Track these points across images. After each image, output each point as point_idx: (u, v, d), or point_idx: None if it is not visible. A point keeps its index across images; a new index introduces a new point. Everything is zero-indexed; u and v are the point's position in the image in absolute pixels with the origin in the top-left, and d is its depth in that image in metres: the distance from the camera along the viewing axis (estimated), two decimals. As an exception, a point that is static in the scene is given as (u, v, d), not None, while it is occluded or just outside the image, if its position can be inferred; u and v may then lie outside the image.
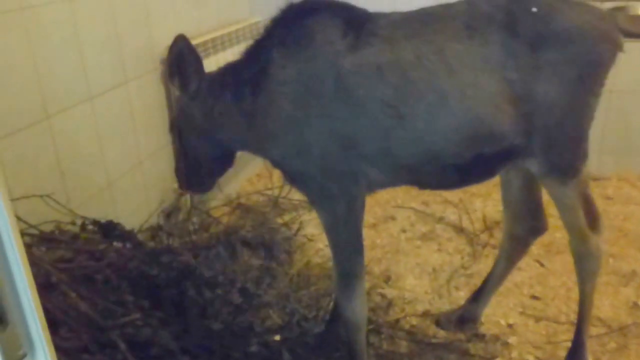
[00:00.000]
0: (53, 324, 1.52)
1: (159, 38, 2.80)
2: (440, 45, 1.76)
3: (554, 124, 1.81)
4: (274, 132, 1.89)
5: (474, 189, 3.81)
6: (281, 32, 1.88)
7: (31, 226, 1.85)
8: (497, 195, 3.67)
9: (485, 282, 2.57)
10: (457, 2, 1.88)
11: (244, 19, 3.58)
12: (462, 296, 2.80)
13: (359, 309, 2.06)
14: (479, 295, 2.58)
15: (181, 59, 1.96)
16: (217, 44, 3.06)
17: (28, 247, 1.70)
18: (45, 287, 1.56)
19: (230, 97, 1.97)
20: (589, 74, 1.80)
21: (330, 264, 2.94)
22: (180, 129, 2.13)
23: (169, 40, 2.76)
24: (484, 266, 2.98)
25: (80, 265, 1.70)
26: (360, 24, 1.82)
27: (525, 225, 2.34)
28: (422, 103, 1.76)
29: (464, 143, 1.79)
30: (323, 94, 1.80)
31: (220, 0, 3.42)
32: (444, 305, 2.75)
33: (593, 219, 2.08)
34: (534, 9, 1.76)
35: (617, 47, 1.83)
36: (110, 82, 2.46)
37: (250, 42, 2.00)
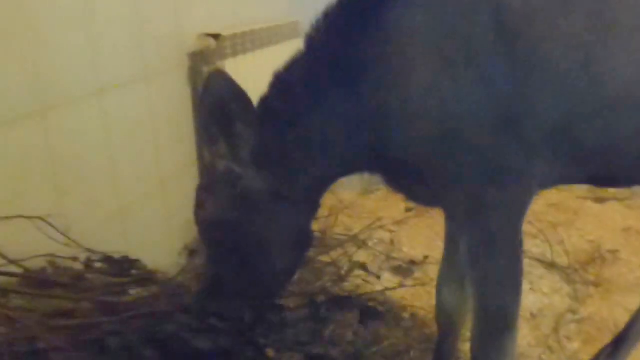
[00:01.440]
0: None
1: (188, 28, 2.22)
2: None
3: None
4: (401, 116, 1.27)
5: (552, 217, 3.28)
6: None
7: (11, 262, 1.22)
8: (580, 224, 3.16)
9: (623, 337, 1.95)
10: None
11: (282, 17, 3.07)
12: (576, 348, 2.22)
13: None
14: (617, 347, 1.94)
15: (224, 108, 1.28)
16: (256, 39, 2.48)
17: (3, 293, 1.07)
18: (27, 356, 0.93)
19: (318, 100, 1.32)
20: None
21: (398, 312, 2.42)
22: (229, 225, 1.40)
23: (199, 30, 2.29)
24: (595, 309, 2.44)
25: (85, 323, 1.05)
26: None
27: None
28: (626, 46, 1.19)
29: None
30: (474, 43, 1.21)
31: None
32: (559, 362, 2.13)
33: None
34: None
35: None
36: (126, 74, 1.87)
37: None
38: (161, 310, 1.22)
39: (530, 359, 2.16)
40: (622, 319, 2.07)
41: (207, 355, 1.20)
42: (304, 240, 1.48)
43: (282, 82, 1.36)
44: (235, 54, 2.28)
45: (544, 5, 1.21)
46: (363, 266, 2.10)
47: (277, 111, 1.34)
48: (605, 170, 1.37)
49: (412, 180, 1.42)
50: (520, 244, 1.35)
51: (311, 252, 2.87)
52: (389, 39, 1.25)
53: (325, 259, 2.85)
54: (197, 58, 2.21)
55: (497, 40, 1.19)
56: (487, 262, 1.33)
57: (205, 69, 2.19)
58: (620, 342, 1.95)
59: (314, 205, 1.48)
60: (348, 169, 1.44)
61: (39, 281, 1.21)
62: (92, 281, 1.33)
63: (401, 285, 2.49)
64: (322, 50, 1.33)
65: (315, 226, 2.99)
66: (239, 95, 1.28)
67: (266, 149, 1.33)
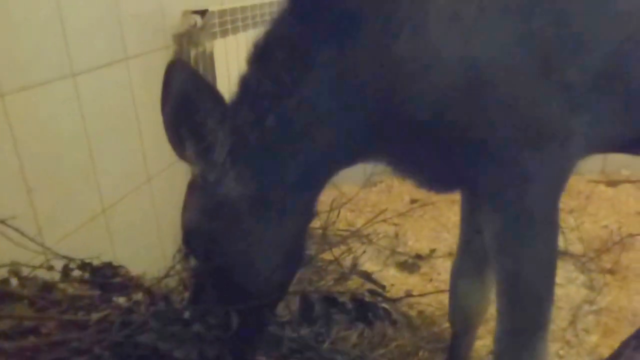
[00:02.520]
0: None
1: (171, 4, 2.04)
2: None
3: None
4: (418, 67, 1.05)
5: (563, 203, 3.11)
6: None
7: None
8: (592, 209, 3.04)
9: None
10: None
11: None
12: (595, 342, 2.10)
13: None
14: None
15: (189, 106, 1.10)
16: (247, 17, 2.29)
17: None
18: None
19: (307, 65, 1.10)
20: None
21: (407, 309, 2.30)
22: (211, 236, 1.21)
23: (184, 7, 2.08)
24: (612, 298, 2.34)
25: (51, 341, 0.92)
26: None
27: None
28: None
29: None
30: None
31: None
32: (579, 357, 1.98)
33: None
34: None
35: None
36: (103, 56, 1.72)
37: None
38: (138, 321, 1.09)
39: (550, 356, 2.03)
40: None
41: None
42: (295, 254, 1.29)
43: (263, 51, 1.14)
44: (224, 33, 2.11)
45: None
46: (368, 276, 1.94)
47: (257, 91, 1.13)
48: None
49: (427, 160, 1.21)
50: (557, 225, 1.18)
51: (313, 250, 2.76)
52: None
53: (327, 256, 2.72)
54: (183, 39, 2.04)
55: None
56: (520, 247, 1.16)
57: (193, 51, 2.03)
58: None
59: (308, 212, 1.28)
60: (348, 158, 1.24)
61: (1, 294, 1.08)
62: (63, 292, 1.20)
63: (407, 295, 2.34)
64: (310, 4, 1.11)
65: (316, 222, 2.88)
66: (205, 88, 1.11)
67: (245, 145, 1.14)
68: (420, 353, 1.98)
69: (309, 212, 1.27)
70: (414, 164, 1.25)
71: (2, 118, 1.33)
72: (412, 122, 1.10)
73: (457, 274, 1.62)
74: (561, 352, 2.04)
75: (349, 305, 1.43)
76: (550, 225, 1.17)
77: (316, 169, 1.21)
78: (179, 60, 1.20)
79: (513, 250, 1.17)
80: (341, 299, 1.44)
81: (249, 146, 1.14)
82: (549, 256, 1.19)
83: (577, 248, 2.71)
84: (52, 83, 1.50)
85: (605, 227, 2.86)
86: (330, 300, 1.41)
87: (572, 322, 2.18)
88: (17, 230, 1.23)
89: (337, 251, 2.75)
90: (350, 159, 1.25)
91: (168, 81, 1.13)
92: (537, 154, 1.09)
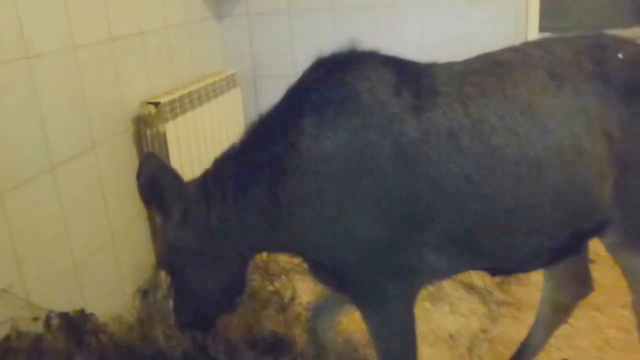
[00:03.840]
0: None
1: (130, 96, 2.47)
2: (526, 100, 1.42)
3: None
4: (312, 224, 1.48)
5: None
6: (312, 95, 1.49)
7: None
8: None
9: (519, 354, 2.29)
10: (523, 47, 1.57)
11: (219, 72, 3.30)
12: None
13: None
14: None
15: (155, 184, 1.57)
16: (194, 99, 2.74)
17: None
18: None
19: (240, 194, 1.57)
20: None
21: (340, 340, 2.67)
22: (172, 264, 1.72)
23: (141, 98, 2.55)
24: (505, 328, 2.73)
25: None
26: (414, 78, 1.48)
27: (570, 290, 2.04)
28: (512, 176, 1.40)
29: (561, 222, 1.46)
30: (377, 170, 1.41)
31: (193, 54, 3.14)
32: (471, 380, 2.42)
33: None
34: (620, 55, 1.47)
35: None
36: (75, 147, 2.11)
37: (258, 116, 1.62)
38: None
39: (444, 377, 2.45)
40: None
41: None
42: (234, 287, 1.77)
43: (221, 162, 1.65)
44: (175, 116, 2.53)
45: (437, 148, 1.41)
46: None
47: (210, 192, 1.62)
48: (498, 266, 1.63)
49: (322, 274, 1.70)
50: (413, 322, 1.63)
51: (257, 282, 3.13)
52: (302, 163, 1.45)
53: (270, 287, 3.10)
54: (140, 122, 2.47)
55: (396, 169, 1.41)
56: (385, 342, 1.62)
57: (148, 132, 2.44)
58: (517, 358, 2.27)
59: (243, 260, 1.75)
60: (256, 250, 1.80)
61: (7, 347, 1.46)
62: (50, 342, 1.58)
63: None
64: (248, 155, 1.59)
65: (263, 255, 3.23)
66: (166, 170, 1.59)
67: (195, 217, 1.62)
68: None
69: (244, 260, 1.75)
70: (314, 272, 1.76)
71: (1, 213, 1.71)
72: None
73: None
74: None
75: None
76: (409, 324, 1.62)
77: (238, 243, 1.67)
78: (150, 153, 1.66)
79: (381, 344, 1.63)
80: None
81: (199, 220, 1.62)
82: (409, 349, 1.63)
83: (483, 282, 3.10)
84: (35, 178, 1.90)
85: (508, 262, 3.29)
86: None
87: (469, 349, 2.62)
88: (12, 294, 1.61)
89: (278, 283, 3.15)
90: (264, 250, 1.85)
91: (142, 167, 1.60)
92: (398, 283, 1.54)
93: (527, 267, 1.69)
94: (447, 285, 3.13)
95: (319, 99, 1.46)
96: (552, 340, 2.61)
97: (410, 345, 1.62)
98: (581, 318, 2.76)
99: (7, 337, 1.52)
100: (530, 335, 2.23)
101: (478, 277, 3.13)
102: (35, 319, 1.73)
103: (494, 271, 1.74)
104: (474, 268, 1.69)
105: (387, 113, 1.41)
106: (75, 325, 1.77)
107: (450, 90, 1.44)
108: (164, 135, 2.42)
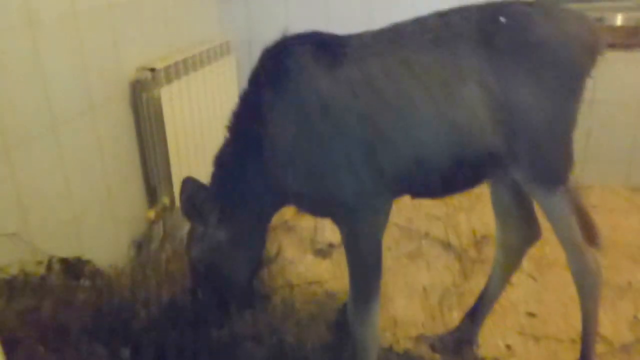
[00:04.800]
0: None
1: (127, 61, 2.64)
2: (406, 57, 1.80)
3: (536, 129, 1.81)
4: (287, 166, 1.87)
5: (457, 202, 3.76)
6: (266, 78, 1.89)
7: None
8: (481, 208, 3.66)
9: (480, 300, 2.47)
10: (429, 16, 1.90)
11: (215, 39, 3.44)
12: (455, 317, 2.69)
13: (371, 334, 2.05)
14: (474, 315, 2.48)
15: (194, 201, 1.95)
16: (188, 65, 2.91)
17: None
18: (10, 344, 1.39)
19: (241, 172, 1.96)
20: (567, 80, 1.82)
21: (314, 288, 2.93)
22: (217, 264, 2.05)
23: (138, 63, 2.73)
24: (475, 284, 2.87)
25: (49, 314, 1.53)
26: (332, 47, 1.86)
27: (518, 234, 2.27)
28: (394, 113, 1.79)
29: (443, 149, 1.81)
30: (313, 117, 1.80)
31: (189, 20, 3.29)
32: (437, 328, 2.63)
33: (589, 232, 2.01)
34: (502, 19, 1.79)
35: (596, 52, 1.85)
36: (75, 109, 2.29)
37: (234, 107, 1.98)
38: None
39: (414, 326, 2.63)
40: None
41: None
42: (255, 262, 2.16)
43: (220, 161, 2.03)
44: (169, 81, 2.71)
45: (343, 96, 1.79)
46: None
47: (222, 182, 2.01)
48: (408, 188, 1.95)
49: (308, 206, 2.05)
50: (380, 241, 1.95)
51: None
52: (270, 127, 1.85)
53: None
54: (137, 87, 2.64)
55: (322, 114, 1.80)
56: (358, 253, 1.94)
57: (144, 96, 2.62)
58: (477, 304, 2.48)
59: (264, 227, 2.13)
60: (273, 209, 2.09)
61: (13, 286, 1.68)
62: (53, 282, 1.79)
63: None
64: (239, 139, 1.98)
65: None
66: (201, 188, 1.97)
67: (224, 212, 2.00)
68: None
69: (261, 243, 2.16)
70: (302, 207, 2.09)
71: (8, 168, 1.91)
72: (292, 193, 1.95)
73: None
74: (425, 323, 2.64)
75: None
76: (375, 243, 1.94)
77: (258, 217, 2.06)
78: (188, 178, 1.97)
79: (354, 254, 1.95)
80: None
81: (226, 212, 1.99)
82: (375, 259, 1.95)
83: (464, 242, 3.30)
84: (39, 137, 2.09)
85: (486, 223, 3.41)
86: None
87: (440, 301, 2.82)
88: (21, 239, 1.82)
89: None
90: (274, 210, 2.10)
91: (182, 188, 1.95)
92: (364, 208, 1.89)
93: (431, 190, 2.00)
94: (425, 244, 3.34)
95: (266, 79, 1.88)
96: (520, 295, 2.84)
97: (376, 256, 1.95)
98: (548, 275, 2.97)
99: (15, 277, 1.74)
100: (488, 281, 2.42)
101: (455, 237, 3.35)
102: (39, 262, 1.93)
103: (412, 193, 2.04)
104: (396, 190, 1.96)
105: (309, 74, 1.81)
106: (75, 270, 1.98)
107: (355, 53, 1.83)
108: (159, 99, 2.60)
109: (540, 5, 1.85)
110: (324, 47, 1.86)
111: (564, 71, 1.80)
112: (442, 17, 1.86)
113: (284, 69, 1.84)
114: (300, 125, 1.82)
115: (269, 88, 1.86)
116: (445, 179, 1.87)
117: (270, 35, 1.91)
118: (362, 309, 1.99)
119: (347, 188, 1.84)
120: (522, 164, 1.85)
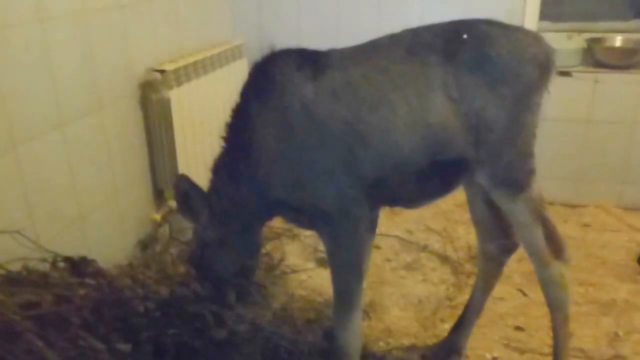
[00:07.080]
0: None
1: (137, 61, 2.69)
2: (384, 66, 1.94)
3: (496, 138, 1.93)
4: (272, 173, 2.00)
5: (457, 216, 3.78)
6: (253, 90, 2.04)
7: (-2, 266, 1.73)
8: None
9: (466, 310, 2.55)
10: (402, 32, 2.03)
11: (227, 42, 3.49)
12: (447, 328, 2.73)
13: (353, 340, 2.11)
14: (461, 325, 2.55)
15: (187, 197, 2.14)
16: (199, 67, 2.96)
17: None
18: (8, 336, 1.45)
19: (234, 177, 2.10)
20: (522, 94, 1.92)
21: (314, 296, 2.99)
22: (201, 259, 2.27)
23: (148, 64, 2.78)
24: (468, 296, 2.89)
25: (50, 309, 1.58)
26: (314, 59, 2.00)
27: (496, 243, 2.35)
28: (375, 116, 1.90)
29: (419, 153, 1.92)
30: (296, 124, 1.93)
31: (202, 22, 3.34)
32: (429, 338, 2.70)
33: (556, 245, 2.09)
34: (465, 36, 1.92)
35: (549, 70, 1.97)
36: (84, 107, 2.34)
37: (228, 119, 2.14)
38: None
39: (407, 336, 2.69)
40: (487, 305, 2.58)
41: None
42: (239, 263, 2.32)
43: (216, 169, 2.19)
44: (179, 83, 2.76)
45: (325, 101, 1.91)
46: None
47: (216, 187, 2.18)
48: (384, 193, 2.04)
49: (292, 215, 2.20)
50: (362, 248, 2.06)
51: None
52: (257, 133, 2.00)
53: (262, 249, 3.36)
54: (146, 88, 2.70)
55: (305, 120, 1.93)
56: (337, 260, 2.06)
57: (154, 97, 2.68)
58: (463, 315, 2.55)
59: (255, 229, 2.28)
60: (263, 216, 2.25)
61: (15, 280, 1.73)
62: (55, 279, 1.85)
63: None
64: (231, 148, 2.14)
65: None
66: (195, 187, 2.13)
67: (214, 213, 2.17)
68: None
69: (253, 228, 2.28)
70: (290, 219, 2.27)
71: (14, 162, 1.95)
72: (281, 203, 2.08)
73: None
74: (417, 334, 2.69)
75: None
76: (356, 251, 2.04)
77: (248, 227, 2.22)
78: (182, 175, 2.14)
79: (336, 262, 2.07)
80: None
81: (216, 214, 2.16)
82: (356, 267, 2.05)
83: (461, 256, 3.34)
84: (46, 133, 2.14)
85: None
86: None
87: (434, 313, 2.88)
88: (25, 236, 1.88)
89: (270, 245, 3.40)
90: (268, 216, 2.28)
91: (175, 186, 2.15)
92: (345, 218, 2.00)
93: (405, 194, 2.09)
94: (424, 256, 3.38)
95: (255, 91, 2.04)
96: (509, 309, 2.89)
97: (357, 264, 2.06)
98: (536, 290, 3.00)
99: (18, 273, 1.79)
100: (472, 292, 2.51)
101: (452, 250, 3.39)
102: (43, 260, 1.98)
103: (388, 201, 2.19)
104: (374, 197, 2.05)
105: (293, 82, 1.95)
106: (78, 268, 2.03)
107: (337, 64, 1.97)
108: (168, 101, 2.66)
109: (499, 25, 1.97)
110: (308, 58, 2.00)
111: (519, 86, 1.91)
112: (414, 33, 2.00)
113: (269, 79, 1.98)
114: (284, 133, 1.95)
115: (256, 98, 2.00)
116: (420, 183, 2.00)
117: (283, 40, 2.03)
118: (345, 315, 2.09)
119: (328, 196, 1.95)
120: (485, 170, 1.98)
